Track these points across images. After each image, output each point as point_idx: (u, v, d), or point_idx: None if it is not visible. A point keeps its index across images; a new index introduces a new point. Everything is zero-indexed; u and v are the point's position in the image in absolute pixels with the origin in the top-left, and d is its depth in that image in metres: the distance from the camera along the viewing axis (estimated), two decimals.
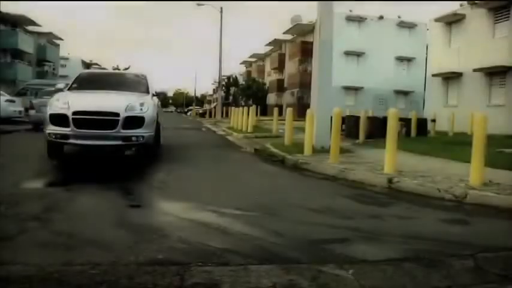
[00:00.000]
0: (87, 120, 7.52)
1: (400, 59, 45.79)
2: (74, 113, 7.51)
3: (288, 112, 13.13)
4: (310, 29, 44.20)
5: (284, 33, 51.86)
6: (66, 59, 69.65)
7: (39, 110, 16.37)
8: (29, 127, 16.75)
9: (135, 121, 7.88)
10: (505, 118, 20.51)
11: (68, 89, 9.18)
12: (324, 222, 3.70)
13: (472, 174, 6.37)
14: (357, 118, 16.50)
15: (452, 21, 26.91)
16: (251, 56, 70.92)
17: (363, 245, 3.74)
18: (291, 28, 49.66)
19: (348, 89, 43.36)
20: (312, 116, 10.18)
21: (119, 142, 7.79)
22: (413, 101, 42.83)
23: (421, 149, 11.29)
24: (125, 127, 7.74)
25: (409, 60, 45.79)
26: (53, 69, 54.69)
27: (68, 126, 7.48)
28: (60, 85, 9.99)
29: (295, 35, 51.01)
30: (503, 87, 22.64)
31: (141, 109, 8.08)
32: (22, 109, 19.72)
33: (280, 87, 54.57)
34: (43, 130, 8.00)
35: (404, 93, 45.20)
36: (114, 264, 3.09)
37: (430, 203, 5.66)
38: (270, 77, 60.51)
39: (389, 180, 6.74)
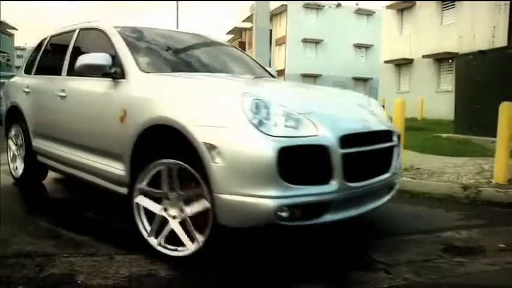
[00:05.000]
0: (364, 157, 3.12)
1: (359, 46, 46.33)
2: (344, 142, 2.90)
3: None
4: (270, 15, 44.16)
5: (244, 21, 51.69)
6: (23, 49, 67.98)
7: None
8: None
9: (395, 147, 3.56)
10: (452, 104, 20.97)
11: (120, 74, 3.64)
12: None
13: None
14: None
15: (403, 8, 27.37)
16: None
17: None
18: (250, 16, 49.53)
19: (306, 76, 43.66)
20: None
21: (387, 197, 3.53)
22: (372, 87, 43.41)
23: None
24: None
25: (367, 47, 46.37)
26: (7, 60, 53.12)
27: (328, 177, 2.83)
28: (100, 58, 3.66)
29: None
30: (451, 73, 23.15)
31: (380, 114, 3.80)
32: None
33: None
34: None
35: (363, 80, 45.80)
36: None
37: None
38: None
39: None
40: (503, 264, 3.15)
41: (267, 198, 2.60)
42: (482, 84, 10.62)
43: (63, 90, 4.31)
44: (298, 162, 2.68)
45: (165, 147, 3.06)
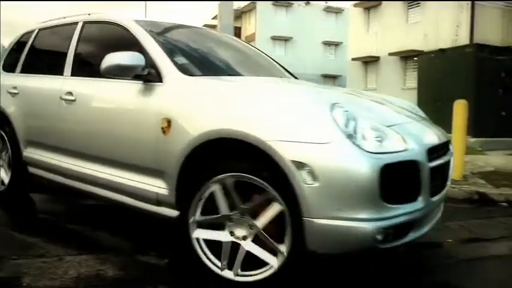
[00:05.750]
0: (440, 169, 2.90)
1: (328, 44, 46.69)
2: (430, 155, 2.70)
3: None
4: (237, 14, 44.20)
5: (213, 18, 51.51)
6: None
7: None
8: None
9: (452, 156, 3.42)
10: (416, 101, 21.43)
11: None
12: None
13: None
14: None
15: (369, 6, 27.72)
16: None
17: None
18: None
19: None
20: None
21: (442, 206, 3.36)
22: (341, 84, 43.76)
23: None
24: None
25: (336, 45, 46.76)
26: None
27: (417, 194, 2.59)
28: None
29: None
30: (416, 71, 23.56)
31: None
32: None
33: None
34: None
35: (333, 77, 46.15)
36: None
37: None
38: None
39: None
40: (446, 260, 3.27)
41: (369, 221, 2.32)
42: (443, 82, 10.85)
43: (70, 93, 3.70)
44: (394, 179, 2.40)
45: (234, 163, 2.61)
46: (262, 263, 2.53)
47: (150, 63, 3.13)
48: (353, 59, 28.92)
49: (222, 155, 2.65)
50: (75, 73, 3.89)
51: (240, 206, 2.57)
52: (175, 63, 3.15)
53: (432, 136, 2.94)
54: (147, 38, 3.34)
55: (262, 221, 2.53)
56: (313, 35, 44.65)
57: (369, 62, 27.84)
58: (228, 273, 2.59)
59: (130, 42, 3.37)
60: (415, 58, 23.43)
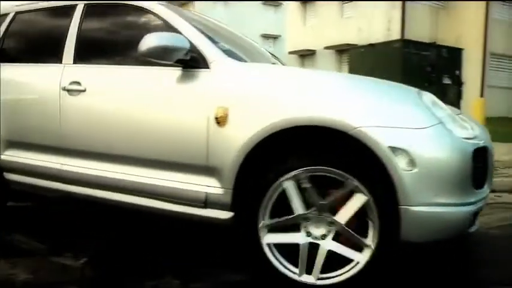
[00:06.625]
0: None
1: (266, 37, 46.89)
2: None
3: None
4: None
5: None
6: None
7: None
8: None
9: None
10: None
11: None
12: None
13: None
14: None
15: (306, 0, 28.07)
16: None
17: None
18: None
19: None
20: None
21: None
22: None
23: None
24: None
25: (275, 37, 47.04)
26: None
27: (484, 181, 2.63)
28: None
29: None
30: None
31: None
32: None
33: None
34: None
35: None
36: None
37: None
38: None
39: None
40: None
41: (464, 205, 2.34)
42: (372, 75, 11.15)
43: (76, 83, 3.20)
44: (476, 165, 2.39)
45: (310, 155, 2.43)
46: (342, 262, 2.41)
47: (192, 48, 2.81)
48: (290, 52, 29.25)
49: (292, 148, 2.47)
50: (80, 60, 3.35)
51: (318, 203, 2.42)
52: (220, 49, 2.90)
53: (478, 126, 2.90)
54: (182, 22, 3.01)
55: (344, 215, 2.39)
56: (251, 28, 44.70)
57: (306, 55, 28.24)
58: (309, 279, 2.42)
59: (156, 27, 3.04)
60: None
